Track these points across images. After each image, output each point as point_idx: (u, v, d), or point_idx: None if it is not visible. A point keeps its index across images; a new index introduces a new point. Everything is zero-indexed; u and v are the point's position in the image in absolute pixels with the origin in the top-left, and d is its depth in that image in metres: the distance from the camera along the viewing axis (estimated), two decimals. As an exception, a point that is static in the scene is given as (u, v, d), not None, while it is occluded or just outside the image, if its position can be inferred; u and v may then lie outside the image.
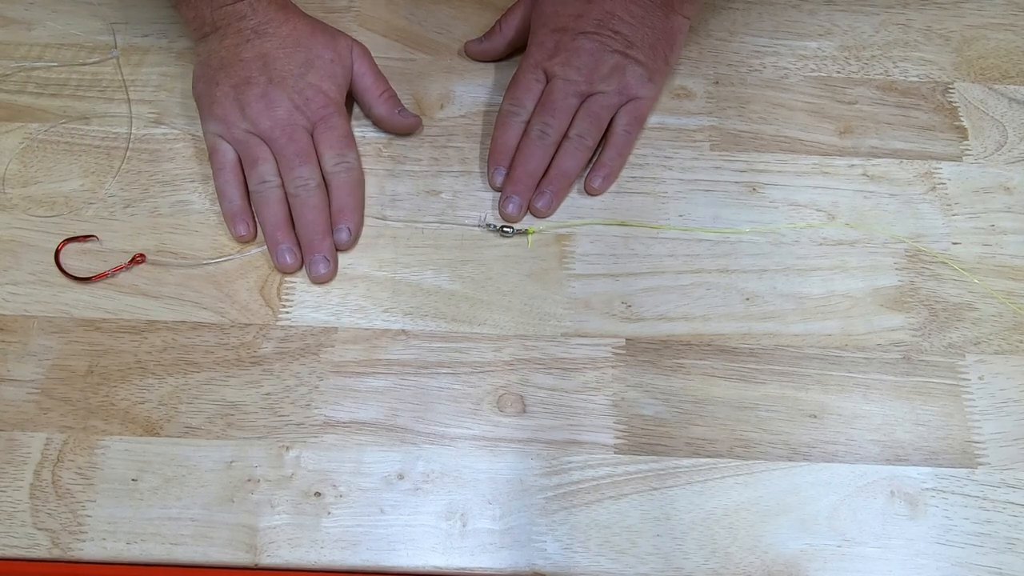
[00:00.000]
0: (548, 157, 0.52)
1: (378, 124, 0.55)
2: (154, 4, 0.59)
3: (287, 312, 0.49)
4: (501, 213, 0.52)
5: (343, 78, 0.53)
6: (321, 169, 0.51)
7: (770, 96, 0.57)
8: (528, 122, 0.53)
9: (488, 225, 0.51)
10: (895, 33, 0.60)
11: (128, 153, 0.54)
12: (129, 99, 0.56)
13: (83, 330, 0.48)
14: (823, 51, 0.59)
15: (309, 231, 0.49)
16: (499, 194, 0.52)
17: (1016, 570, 0.42)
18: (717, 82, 0.57)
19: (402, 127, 0.54)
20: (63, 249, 0.50)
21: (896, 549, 0.43)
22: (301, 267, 0.50)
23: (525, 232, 0.51)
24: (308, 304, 0.49)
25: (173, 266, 0.50)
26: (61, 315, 0.48)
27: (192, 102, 0.54)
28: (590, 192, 0.53)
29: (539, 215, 0.52)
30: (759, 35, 0.60)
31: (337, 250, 0.50)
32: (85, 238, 0.50)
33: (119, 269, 0.49)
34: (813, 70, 0.58)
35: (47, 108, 0.55)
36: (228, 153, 0.51)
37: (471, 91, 0.57)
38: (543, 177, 0.52)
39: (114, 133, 0.54)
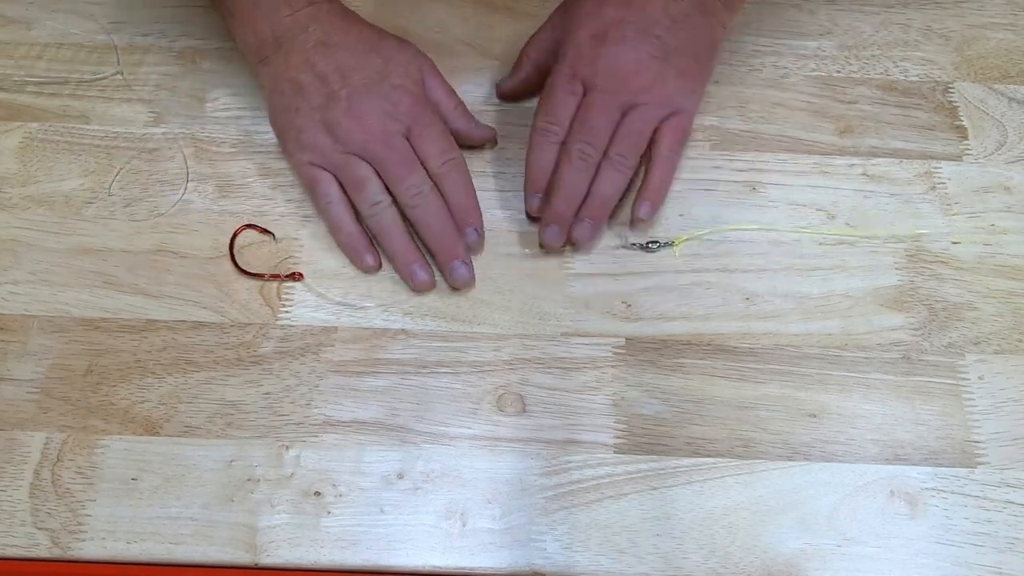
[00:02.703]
0: (589, 180, 0.49)
1: (454, 138, 0.51)
2: (154, 4, 0.59)
3: (287, 312, 0.49)
4: (541, 241, 0.49)
5: (419, 74, 0.51)
6: (427, 172, 0.49)
7: (770, 95, 0.57)
8: (565, 141, 0.49)
9: (633, 244, 0.50)
10: (895, 33, 0.60)
11: (128, 153, 0.54)
12: (129, 99, 0.56)
13: (83, 329, 0.48)
14: (823, 50, 0.59)
15: (439, 239, 0.48)
16: (491, 192, 0.52)
17: (1016, 570, 0.42)
18: (717, 81, 0.57)
19: (480, 139, 0.53)
20: (240, 233, 0.50)
21: (896, 549, 0.43)
22: (434, 281, 0.49)
23: (672, 244, 0.50)
24: (308, 304, 0.49)
25: (328, 282, 0.50)
26: (61, 315, 0.48)
27: (192, 100, 0.55)
28: (636, 223, 0.50)
29: (579, 245, 0.50)
30: (759, 34, 0.60)
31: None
32: (264, 230, 0.50)
33: (276, 278, 0.49)
34: (813, 69, 0.58)
35: (47, 108, 0.55)
36: (331, 184, 0.49)
37: (471, 91, 0.56)
38: (583, 202, 0.49)
39: (114, 133, 0.54)
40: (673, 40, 0.50)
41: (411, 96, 0.49)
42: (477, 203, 0.50)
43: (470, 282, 0.49)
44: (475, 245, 0.49)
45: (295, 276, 0.49)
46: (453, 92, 0.52)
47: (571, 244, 0.50)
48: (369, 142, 0.48)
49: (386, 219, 0.48)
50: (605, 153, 0.49)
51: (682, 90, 0.50)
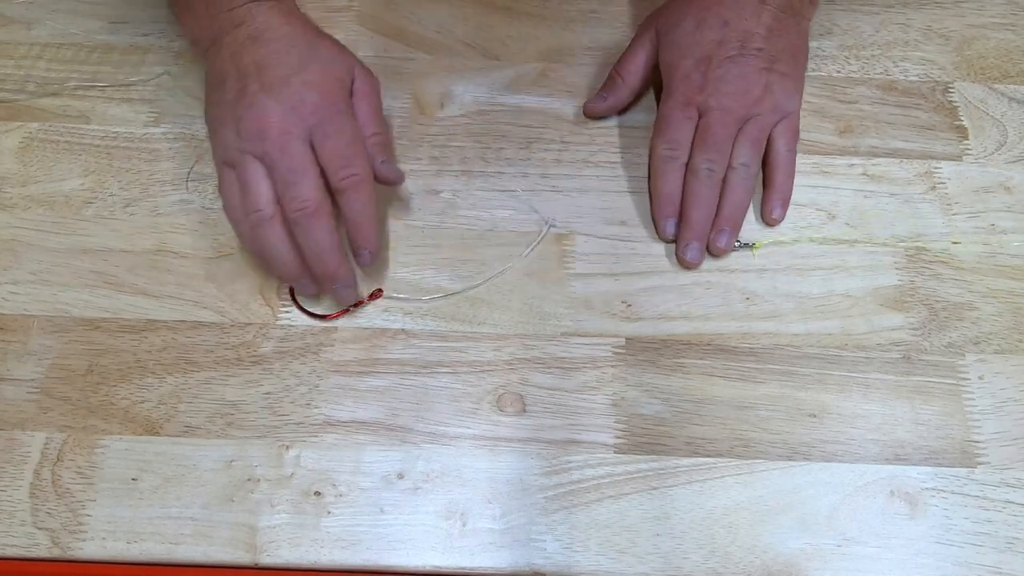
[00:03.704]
0: (718, 194, 0.50)
1: None
2: (154, 4, 0.59)
3: (287, 311, 0.48)
4: (683, 261, 0.50)
5: (345, 77, 0.47)
6: (327, 181, 0.45)
7: (770, 96, 0.57)
8: (689, 161, 0.50)
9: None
10: (895, 33, 0.60)
11: (128, 152, 0.54)
12: (129, 99, 0.56)
13: (83, 329, 0.48)
14: (823, 50, 0.59)
15: (319, 262, 0.45)
16: (491, 192, 0.52)
17: (1016, 569, 0.42)
18: (717, 82, 0.57)
19: (382, 179, 0.48)
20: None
21: (896, 548, 0.43)
22: (319, 295, 0.48)
23: (752, 245, 0.51)
24: (308, 304, 0.49)
25: (406, 301, 0.49)
26: (61, 315, 0.48)
27: (192, 100, 0.55)
28: (771, 223, 0.52)
29: (720, 254, 0.50)
30: (759, 35, 0.60)
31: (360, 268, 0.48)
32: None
33: (359, 305, 0.48)
34: (813, 69, 0.58)
35: (47, 108, 0.55)
36: (234, 185, 0.45)
37: (471, 90, 0.57)
38: (718, 214, 0.50)
39: (114, 132, 0.54)
40: (772, 48, 0.51)
41: (321, 95, 0.45)
42: (375, 224, 0.46)
43: (355, 300, 0.47)
44: (368, 265, 0.47)
45: (376, 294, 0.48)
46: (379, 119, 0.49)
47: (714, 255, 0.51)
48: (264, 141, 0.44)
49: (266, 229, 0.44)
50: (730, 163, 0.50)
51: (788, 93, 0.52)
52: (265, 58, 0.46)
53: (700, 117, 0.51)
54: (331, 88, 0.46)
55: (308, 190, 0.44)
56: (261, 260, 0.47)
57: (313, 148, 0.45)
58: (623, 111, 0.56)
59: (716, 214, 0.50)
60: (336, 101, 0.46)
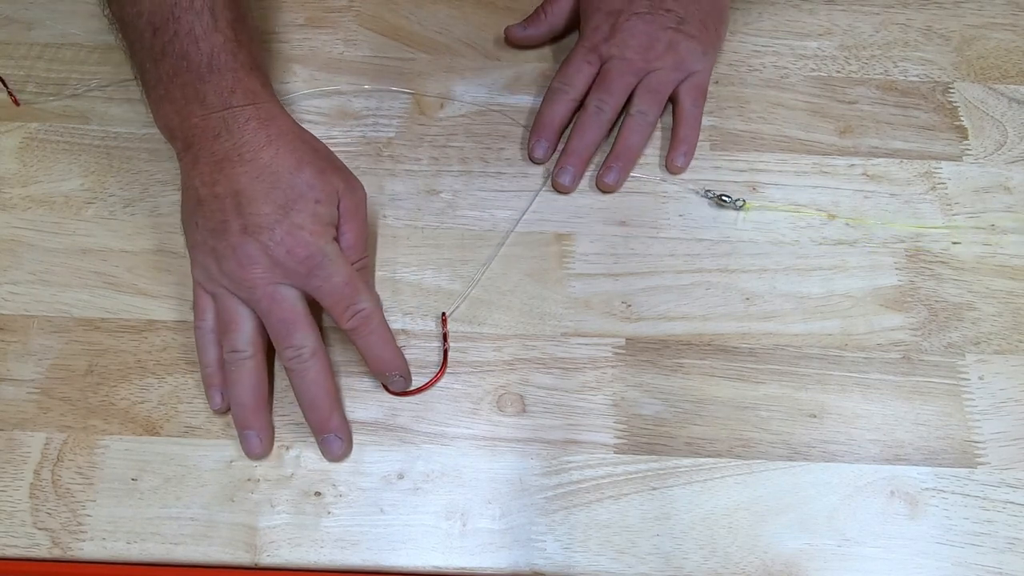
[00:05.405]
0: (603, 132, 0.53)
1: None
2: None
3: (287, 312, 0.48)
4: (555, 184, 0.53)
5: (330, 217, 0.45)
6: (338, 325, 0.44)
7: (770, 96, 0.57)
8: (584, 100, 0.54)
9: (708, 192, 0.53)
10: (895, 33, 0.60)
11: (128, 152, 0.54)
12: (129, 99, 0.56)
13: (83, 330, 0.48)
14: (823, 51, 0.59)
15: (311, 411, 0.44)
16: (491, 192, 0.53)
17: (1016, 570, 0.42)
18: (717, 82, 0.57)
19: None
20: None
21: (896, 549, 0.43)
22: (270, 451, 0.45)
23: (743, 205, 0.52)
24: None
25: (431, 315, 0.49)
26: (61, 315, 0.48)
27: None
28: (674, 171, 0.54)
29: (608, 190, 0.53)
30: (759, 34, 0.60)
31: (393, 392, 0.46)
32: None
33: (446, 347, 0.47)
34: (813, 70, 0.58)
35: (47, 108, 0.55)
36: (209, 311, 0.45)
37: (471, 91, 0.57)
38: (610, 152, 0.53)
39: (114, 132, 0.54)
40: (682, 10, 0.54)
41: (308, 245, 0.43)
42: (396, 349, 0.45)
43: (344, 455, 0.44)
44: (401, 388, 0.46)
45: (444, 319, 0.48)
46: (363, 243, 0.47)
47: (602, 190, 0.53)
48: (253, 290, 0.43)
49: (241, 370, 0.44)
50: (628, 111, 0.53)
51: (694, 52, 0.54)
52: (245, 189, 0.43)
53: (602, 64, 0.54)
54: (317, 232, 0.44)
55: (302, 337, 0.43)
56: (206, 386, 0.45)
57: (307, 291, 0.44)
58: (543, 46, 0.59)
59: (609, 153, 0.53)
60: (323, 246, 0.43)
